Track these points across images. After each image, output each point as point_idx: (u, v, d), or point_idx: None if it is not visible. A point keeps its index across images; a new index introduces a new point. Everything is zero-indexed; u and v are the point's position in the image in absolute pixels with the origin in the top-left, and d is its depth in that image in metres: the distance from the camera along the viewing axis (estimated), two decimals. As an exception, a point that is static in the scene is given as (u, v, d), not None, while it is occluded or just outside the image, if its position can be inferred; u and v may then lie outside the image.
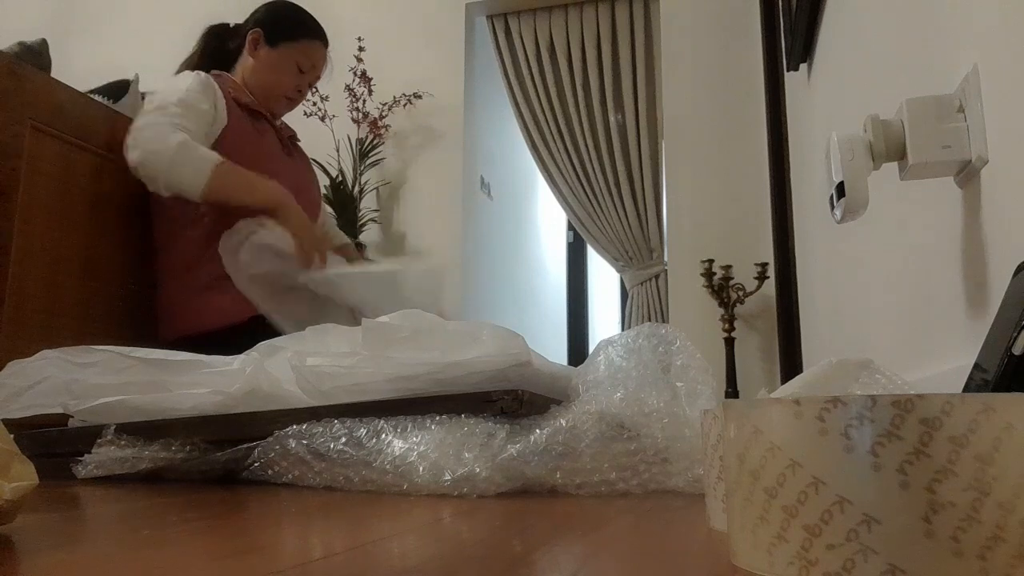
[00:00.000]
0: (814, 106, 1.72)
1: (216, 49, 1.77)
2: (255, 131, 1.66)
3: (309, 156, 1.92)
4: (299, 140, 1.88)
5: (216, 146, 1.56)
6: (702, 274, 2.42)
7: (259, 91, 1.71)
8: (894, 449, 0.29)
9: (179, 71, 1.74)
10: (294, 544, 0.45)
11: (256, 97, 1.70)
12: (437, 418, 0.80)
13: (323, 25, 1.85)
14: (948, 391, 0.61)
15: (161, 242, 1.64)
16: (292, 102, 1.77)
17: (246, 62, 1.72)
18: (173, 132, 1.47)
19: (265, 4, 1.78)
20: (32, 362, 1.00)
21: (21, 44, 1.71)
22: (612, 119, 2.89)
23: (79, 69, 2.23)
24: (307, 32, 1.74)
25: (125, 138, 1.52)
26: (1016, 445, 0.29)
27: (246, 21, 1.76)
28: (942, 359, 0.80)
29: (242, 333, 1.36)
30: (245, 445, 0.85)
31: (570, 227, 3.23)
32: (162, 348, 1.08)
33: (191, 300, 1.55)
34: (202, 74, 1.62)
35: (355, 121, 2.92)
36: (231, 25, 1.81)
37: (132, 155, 1.50)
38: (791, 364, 2.04)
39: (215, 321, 1.51)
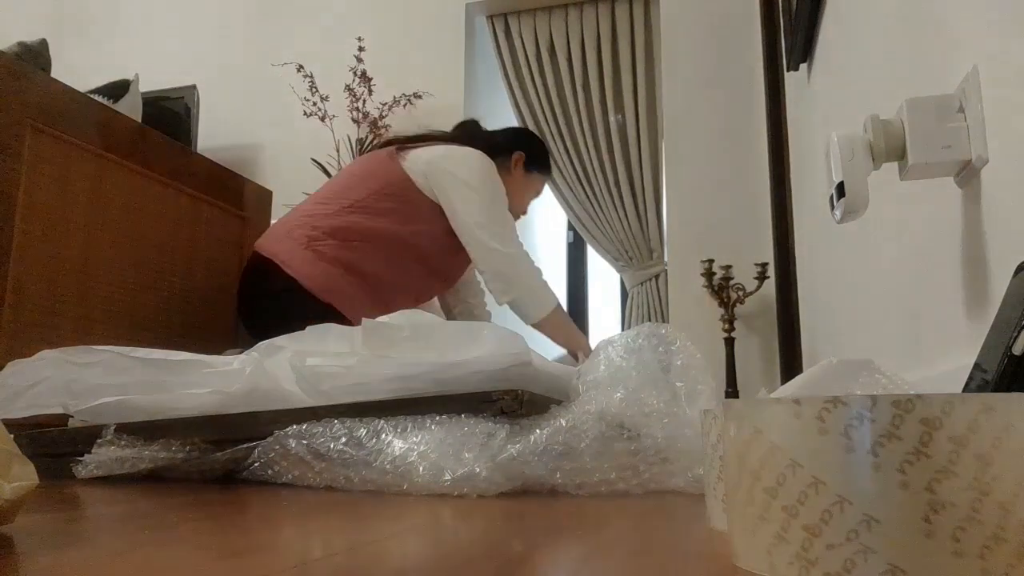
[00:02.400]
0: (814, 106, 1.72)
1: (477, 138, 1.82)
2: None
3: (310, 157, 1.92)
4: None
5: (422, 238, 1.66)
6: (702, 274, 2.42)
7: (513, 208, 1.78)
8: (894, 449, 0.29)
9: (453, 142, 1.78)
10: (294, 544, 0.45)
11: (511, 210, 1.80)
12: (437, 418, 0.80)
13: (323, 25, 1.84)
14: (948, 391, 0.61)
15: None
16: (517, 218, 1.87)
17: (503, 176, 1.78)
18: (532, 264, 1.68)
19: (523, 131, 1.99)
20: (32, 362, 1.00)
21: (21, 44, 1.71)
22: (612, 119, 2.89)
23: (79, 69, 2.23)
24: (549, 169, 1.91)
25: (484, 254, 1.65)
26: (1016, 445, 0.29)
27: (503, 133, 1.87)
28: (942, 359, 0.80)
29: None
30: (245, 445, 0.85)
31: (570, 227, 3.23)
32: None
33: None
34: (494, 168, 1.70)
35: (355, 121, 2.92)
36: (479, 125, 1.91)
37: (502, 290, 1.66)
38: (791, 364, 2.04)
39: None
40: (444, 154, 1.68)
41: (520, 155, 1.80)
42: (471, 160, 1.66)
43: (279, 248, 1.64)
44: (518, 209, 1.80)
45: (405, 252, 1.65)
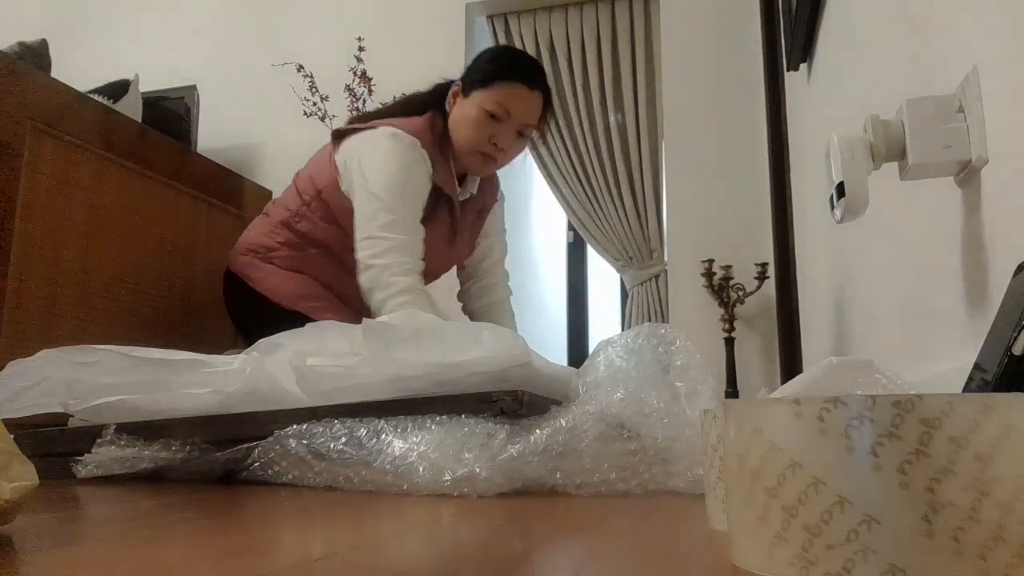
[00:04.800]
0: (814, 106, 1.72)
1: (414, 103, 1.63)
2: (429, 215, 1.51)
3: (309, 157, 1.82)
4: (494, 202, 1.75)
5: None
6: (702, 274, 2.42)
7: (457, 150, 1.56)
8: (894, 449, 0.29)
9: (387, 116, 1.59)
10: (294, 544, 0.45)
11: (456, 158, 1.57)
12: (437, 418, 0.80)
13: (323, 25, 1.79)
14: (948, 391, 0.61)
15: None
16: (489, 159, 1.55)
17: (450, 122, 1.56)
18: (400, 281, 1.39)
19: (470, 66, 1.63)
20: (32, 362, 0.99)
21: (21, 44, 1.71)
22: (612, 119, 2.89)
23: (79, 69, 2.23)
24: (502, 74, 1.51)
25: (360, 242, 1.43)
26: (1016, 445, 0.29)
27: (450, 82, 1.63)
28: (942, 359, 0.80)
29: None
30: (245, 445, 0.85)
31: (570, 227, 3.23)
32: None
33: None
34: (415, 144, 1.47)
35: (355, 121, 2.92)
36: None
37: (369, 294, 1.43)
38: (791, 364, 2.04)
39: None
40: (356, 146, 1.49)
41: (456, 86, 1.56)
42: (377, 152, 1.46)
43: (242, 263, 1.60)
44: (469, 145, 1.52)
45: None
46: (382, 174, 1.44)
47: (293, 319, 1.45)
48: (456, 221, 1.61)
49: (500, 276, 1.82)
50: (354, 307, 1.54)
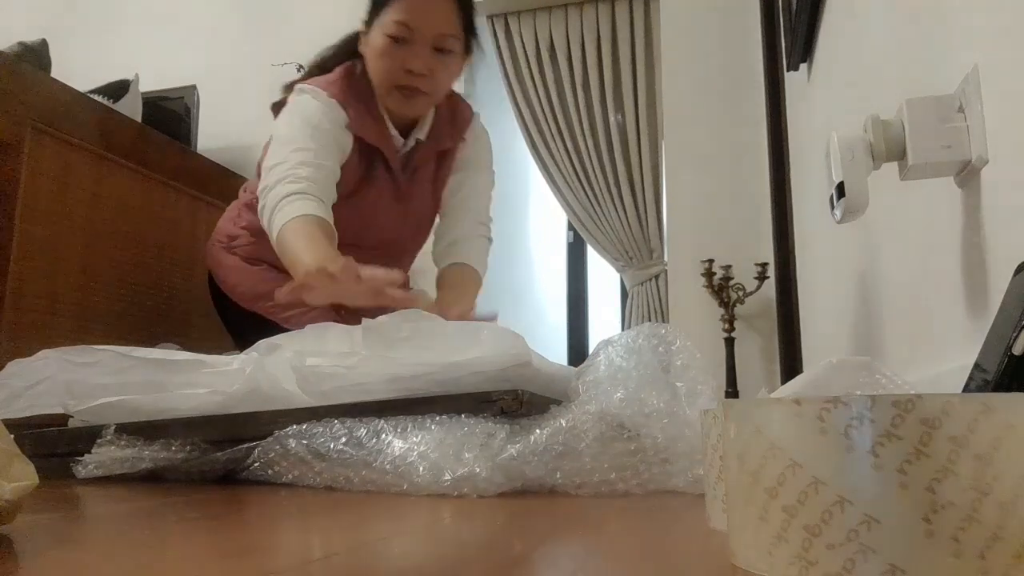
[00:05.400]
0: (814, 106, 1.72)
1: (329, 62, 1.46)
2: (359, 174, 1.38)
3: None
4: (460, 140, 1.51)
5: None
6: (702, 274, 2.42)
7: (378, 94, 1.39)
8: (894, 449, 0.29)
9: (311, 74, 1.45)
10: (294, 544, 0.45)
11: (380, 103, 1.40)
12: (437, 418, 0.80)
13: (323, 25, 1.77)
14: (948, 391, 0.61)
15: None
16: (412, 92, 1.34)
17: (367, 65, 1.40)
18: (289, 187, 1.24)
19: None
20: (32, 362, 1.00)
21: (21, 44, 1.71)
22: (612, 119, 2.89)
23: (79, 69, 2.23)
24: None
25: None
26: (1016, 445, 0.29)
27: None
28: (942, 359, 0.80)
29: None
30: (245, 445, 0.85)
31: (570, 227, 3.23)
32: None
33: None
34: (321, 94, 1.34)
35: (355, 121, 2.92)
36: None
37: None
38: (791, 364, 2.04)
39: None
40: (279, 118, 1.38)
41: (362, 29, 1.41)
42: (285, 111, 1.35)
43: (210, 256, 1.54)
44: (384, 81, 1.35)
45: None
46: (287, 126, 1.31)
47: (256, 320, 1.41)
48: (398, 174, 1.42)
49: (466, 215, 1.53)
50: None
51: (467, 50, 1.42)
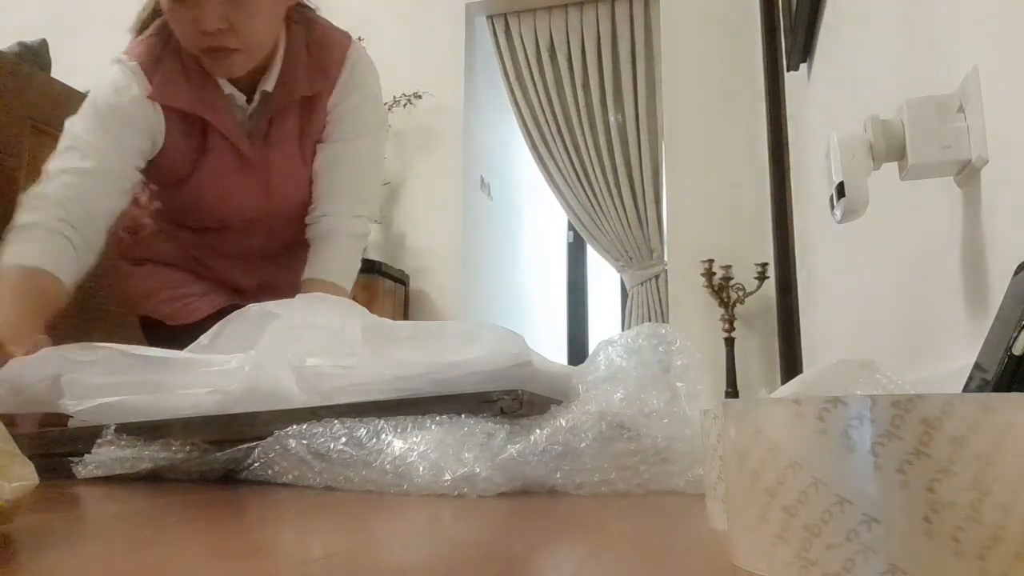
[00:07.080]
0: (814, 106, 1.72)
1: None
2: (191, 148, 1.22)
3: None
4: (328, 86, 1.27)
5: (151, 175, 1.24)
6: (702, 274, 2.42)
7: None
8: (894, 449, 0.29)
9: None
10: (294, 544, 0.45)
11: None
12: (437, 418, 0.80)
13: None
14: (948, 391, 0.61)
15: None
16: (218, 52, 1.13)
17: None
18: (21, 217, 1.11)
19: None
20: (32, 361, 1.00)
21: (21, 44, 1.71)
22: (612, 119, 2.89)
23: (79, 69, 2.23)
24: None
25: None
26: (1016, 445, 0.29)
27: None
28: (942, 359, 0.80)
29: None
30: (245, 445, 0.85)
31: (570, 227, 3.23)
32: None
33: None
34: (123, 66, 1.20)
35: (355, 121, 2.92)
36: None
37: None
38: (791, 364, 2.04)
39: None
40: None
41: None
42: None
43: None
44: (186, 38, 1.15)
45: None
46: (79, 113, 1.18)
47: (156, 328, 1.34)
48: (239, 140, 1.22)
49: (338, 200, 1.28)
50: (224, 278, 1.32)
51: None
